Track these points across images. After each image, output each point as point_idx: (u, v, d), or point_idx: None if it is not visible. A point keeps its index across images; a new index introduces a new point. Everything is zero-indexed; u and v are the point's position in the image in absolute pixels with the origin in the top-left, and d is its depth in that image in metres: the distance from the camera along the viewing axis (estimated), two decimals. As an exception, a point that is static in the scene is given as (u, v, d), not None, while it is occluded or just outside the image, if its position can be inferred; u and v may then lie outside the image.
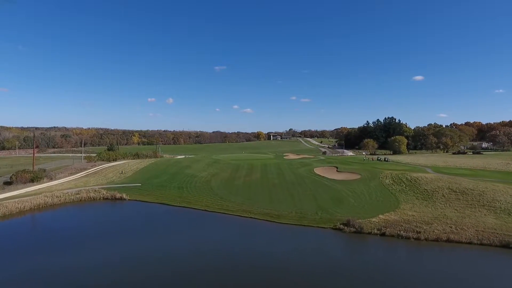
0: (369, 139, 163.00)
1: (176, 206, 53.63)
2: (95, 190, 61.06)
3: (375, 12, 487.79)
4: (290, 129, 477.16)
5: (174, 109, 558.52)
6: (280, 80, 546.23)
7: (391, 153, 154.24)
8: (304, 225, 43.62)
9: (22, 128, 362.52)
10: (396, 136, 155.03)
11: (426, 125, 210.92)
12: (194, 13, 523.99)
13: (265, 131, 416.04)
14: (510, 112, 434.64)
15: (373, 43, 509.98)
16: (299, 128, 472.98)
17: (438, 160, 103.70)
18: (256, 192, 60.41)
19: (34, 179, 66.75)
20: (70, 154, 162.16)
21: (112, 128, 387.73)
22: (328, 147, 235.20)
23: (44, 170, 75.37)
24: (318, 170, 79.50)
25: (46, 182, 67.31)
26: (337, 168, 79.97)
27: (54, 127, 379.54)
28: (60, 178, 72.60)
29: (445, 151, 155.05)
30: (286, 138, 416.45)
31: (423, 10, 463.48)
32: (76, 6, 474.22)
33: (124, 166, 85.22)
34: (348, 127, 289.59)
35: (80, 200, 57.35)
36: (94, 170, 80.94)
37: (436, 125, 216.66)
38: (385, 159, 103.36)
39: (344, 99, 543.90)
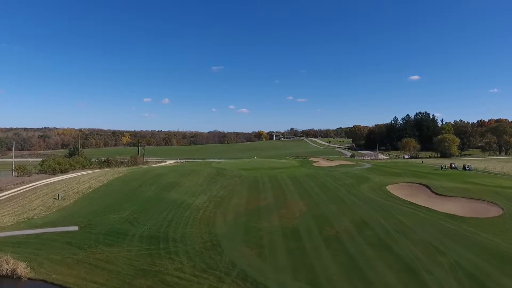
0: (409, 139, 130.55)
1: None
2: (-36, 252, 27.65)
3: (371, 14, 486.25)
4: (292, 129, 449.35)
5: (170, 110, 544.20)
6: (278, 80, 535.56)
7: (438, 155, 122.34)
8: None
9: (11, 129, 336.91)
10: (445, 135, 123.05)
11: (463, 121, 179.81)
12: (192, 13, 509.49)
13: (264, 131, 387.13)
14: (504, 111, 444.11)
15: (370, 43, 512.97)
16: (299, 127, 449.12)
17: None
18: (319, 255, 27.28)
19: None
20: (30, 159, 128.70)
21: (106, 129, 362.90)
22: (346, 148, 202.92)
23: None
24: (395, 190, 47.11)
25: None
26: (429, 188, 47.19)
27: (45, 127, 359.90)
28: None
29: (505, 153, 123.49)
30: (289, 138, 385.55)
31: (418, 11, 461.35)
32: (71, 6, 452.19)
33: (70, 184, 51.78)
34: (362, 125, 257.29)
35: None
36: (12, 193, 47.36)
37: (461, 123, 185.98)
38: (465, 167, 71.06)
39: (341, 99, 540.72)
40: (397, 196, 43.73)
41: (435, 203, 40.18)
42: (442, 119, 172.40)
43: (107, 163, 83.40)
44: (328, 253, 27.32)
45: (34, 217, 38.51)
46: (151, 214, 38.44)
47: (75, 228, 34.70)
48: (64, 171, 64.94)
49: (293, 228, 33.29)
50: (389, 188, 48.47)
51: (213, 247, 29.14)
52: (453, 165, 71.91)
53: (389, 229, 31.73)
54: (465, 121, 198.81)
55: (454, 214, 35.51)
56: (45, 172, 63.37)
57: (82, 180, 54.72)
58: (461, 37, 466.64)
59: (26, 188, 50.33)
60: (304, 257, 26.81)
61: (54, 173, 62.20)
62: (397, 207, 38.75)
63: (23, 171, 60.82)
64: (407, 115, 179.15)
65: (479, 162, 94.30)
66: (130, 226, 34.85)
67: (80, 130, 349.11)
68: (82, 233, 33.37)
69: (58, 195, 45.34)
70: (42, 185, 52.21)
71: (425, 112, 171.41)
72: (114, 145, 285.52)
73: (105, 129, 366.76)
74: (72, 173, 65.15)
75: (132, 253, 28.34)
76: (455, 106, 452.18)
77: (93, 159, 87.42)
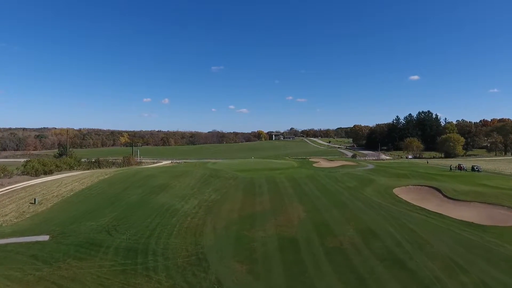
0: (412, 138, 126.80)
1: None
2: None
3: (372, 14, 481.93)
4: (292, 128, 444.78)
5: (169, 110, 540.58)
6: (278, 80, 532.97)
7: (442, 155, 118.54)
8: None
9: (10, 129, 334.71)
10: (449, 134, 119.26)
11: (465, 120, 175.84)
12: (192, 14, 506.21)
13: (263, 131, 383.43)
14: (505, 111, 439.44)
15: (370, 43, 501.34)
16: (298, 127, 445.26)
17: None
18: (321, 272, 23.38)
19: None
20: (22, 160, 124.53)
21: (105, 129, 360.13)
22: (346, 148, 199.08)
23: None
24: (403, 194, 43.26)
25: None
26: (440, 191, 43.32)
27: (43, 127, 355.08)
28: None
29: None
30: (289, 138, 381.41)
31: (418, 11, 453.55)
32: (71, 6, 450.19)
33: (50, 187, 47.91)
34: (362, 125, 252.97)
35: None
36: (-15, 197, 43.43)
37: (464, 122, 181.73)
38: (473, 167, 67.20)
39: (341, 99, 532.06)
40: (405, 201, 39.84)
41: (448, 208, 36.29)
42: (445, 119, 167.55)
43: (97, 164, 79.58)
44: (331, 270, 23.44)
45: (3, 225, 34.69)
46: (133, 221, 34.56)
47: (46, 237, 30.79)
48: (48, 173, 61.02)
49: (291, 238, 29.40)
50: (396, 191, 44.63)
51: (198, 262, 25.27)
52: (461, 166, 68.03)
53: (400, 240, 27.83)
54: (468, 121, 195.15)
55: (472, 222, 31.62)
56: (27, 174, 59.51)
57: (65, 182, 50.86)
58: (461, 37, 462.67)
59: (2, 191, 46.43)
60: (303, 274, 22.92)
61: (36, 174, 58.28)
62: (407, 213, 34.89)
63: (3, 172, 56.86)
64: (410, 114, 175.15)
65: (487, 162, 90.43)
66: (107, 235, 30.93)
67: (79, 130, 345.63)
68: (52, 243, 29.46)
69: (35, 199, 41.46)
70: (20, 188, 48.32)
71: (428, 111, 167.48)
72: (112, 145, 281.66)
73: (105, 129, 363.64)
74: (57, 174, 61.34)
75: (103, 270, 24.43)
76: (455, 106, 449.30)
77: (83, 160, 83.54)
